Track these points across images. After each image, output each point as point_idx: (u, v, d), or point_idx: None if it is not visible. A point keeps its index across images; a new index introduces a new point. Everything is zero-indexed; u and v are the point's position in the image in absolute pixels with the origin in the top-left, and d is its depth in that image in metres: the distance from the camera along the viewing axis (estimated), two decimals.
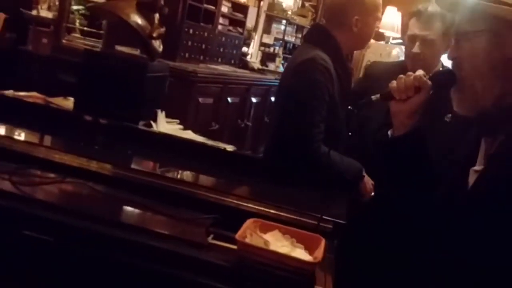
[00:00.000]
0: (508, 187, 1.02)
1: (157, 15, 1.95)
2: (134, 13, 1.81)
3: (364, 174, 1.90)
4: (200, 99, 4.43)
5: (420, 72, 1.29)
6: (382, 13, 6.12)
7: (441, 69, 1.30)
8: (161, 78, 2.07)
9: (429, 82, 1.25)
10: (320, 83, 1.81)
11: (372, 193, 1.92)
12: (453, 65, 1.21)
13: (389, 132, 1.33)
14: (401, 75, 1.28)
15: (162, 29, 1.93)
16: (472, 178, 1.15)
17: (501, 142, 1.10)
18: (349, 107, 1.88)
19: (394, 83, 1.28)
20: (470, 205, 1.09)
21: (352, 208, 1.72)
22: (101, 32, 5.44)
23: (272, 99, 6.02)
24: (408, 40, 2.04)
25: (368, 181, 1.91)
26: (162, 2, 2.06)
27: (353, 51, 2.18)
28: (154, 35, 1.87)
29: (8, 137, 1.68)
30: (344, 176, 1.80)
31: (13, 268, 1.29)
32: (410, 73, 1.28)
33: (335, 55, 1.91)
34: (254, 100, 5.42)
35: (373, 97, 1.33)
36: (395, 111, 1.29)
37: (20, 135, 1.74)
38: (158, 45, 1.94)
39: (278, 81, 6.59)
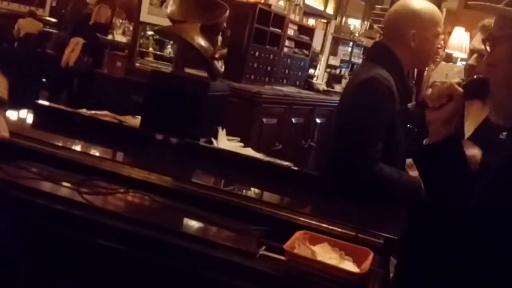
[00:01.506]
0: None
1: (219, 37, 2.05)
2: (198, 35, 1.91)
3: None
4: (264, 120, 4.52)
5: (455, 80, 1.29)
6: (450, 34, 5.98)
7: (475, 77, 1.28)
8: (222, 96, 2.16)
9: (460, 90, 1.24)
10: (381, 103, 1.80)
11: None
12: (487, 72, 1.22)
13: (424, 141, 1.32)
14: (436, 83, 1.29)
15: (224, 50, 2.03)
16: None
17: None
18: (408, 125, 1.88)
19: (429, 91, 1.29)
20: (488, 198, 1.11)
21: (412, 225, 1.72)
22: (173, 56, 5.71)
23: None
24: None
25: None
26: (225, 25, 2.16)
27: (413, 68, 2.12)
28: (216, 56, 1.96)
29: (80, 152, 1.81)
30: (402, 193, 1.78)
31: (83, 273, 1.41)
32: (444, 80, 1.29)
33: (396, 72, 1.89)
34: (318, 120, 5.45)
35: (409, 105, 1.35)
36: (429, 119, 1.28)
37: (90, 150, 1.87)
38: (220, 65, 2.04)
39: None
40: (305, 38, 5.83)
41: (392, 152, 1.82)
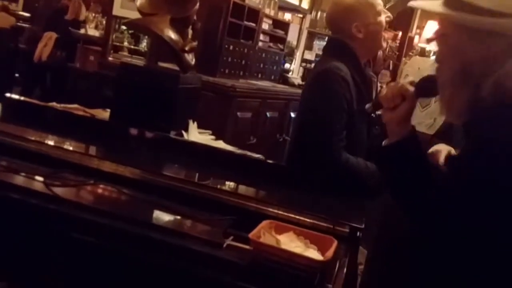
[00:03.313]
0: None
1: (190, 30, 2.05)
2: (167, 28, 1.91)
3: None
4: (239, 114, 4.54)
5: (408, 79, 1.31)
6: (423, 28, 6.06)
7: (426, 75, 1.31)
8: (193, 89, 2.16)
9: (411, 90, 1.26)
10: (337, 92, 1.83)
11: None
12: (436, 69, 1.24)
13: (383, 142, 1.34)
14: (390, 84, 1.32)
15: (194, 43, 2.04)
16: None
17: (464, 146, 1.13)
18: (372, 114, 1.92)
19: (383, 92, 1.31)
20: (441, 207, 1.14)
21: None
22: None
23: None
24: None
25: None
26: (195, 18, 2.16)
27: (372, 54, 2.12)
28: (187, 48, 1.97)
29: (46, 144, 1.81)
30: (369, 182, 1.82)
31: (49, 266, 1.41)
32: (397, 81, 1.31)
33: (351, 63, 1.92)
34: (293, 115, 5.48)
35: (367, 106, 1.37)
36: (386, 119, 1.30)
37: (59, 143, 1.87)
38: (190, 58, 2.05)
39: None
40: (280, 32, 5.86)
41: (353, 141, 1.86)
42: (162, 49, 2.12)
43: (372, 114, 1.84)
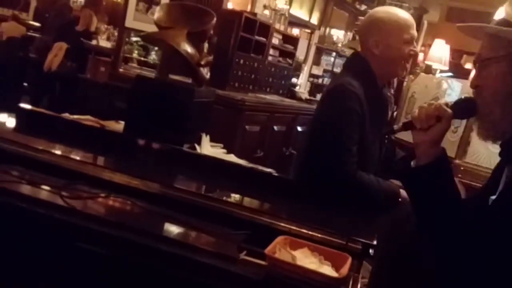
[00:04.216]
0: None
1: (206, 44, 2.07)
2: (184, 42, 1.93)
3: (402, 197, 1.91)
4: (247, 127, 4.55)
5: (442, 101, 1.31)
6: (430, 46, 6.06)
7: (462, 97, 1.30)
8: (207, 103, 2.18)
9: (450, 111, 1.25)
10: (349, 108, 1.83)
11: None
12: (474, 93, 1.24)
13: (412, 162, 1.33)
14: (423, 104, 1.30)
15: (210, 58, 2.06)
16: None
17: None
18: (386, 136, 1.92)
19: (415, 112, 1.30)
20: (485, 230, 1.10)
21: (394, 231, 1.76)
22: (157, 62, 5.70)
23: None
24: None
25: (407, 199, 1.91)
26: (212, 32, 2.18)
27: (388, 77, 2.08)
28: (202, 62, 1.99)
29: (59, 155, 1.82)
30: (380, 198, 1.82)
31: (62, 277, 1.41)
32: (431, 102, 1.31)
33: (366, 80, 1.91)
34: (299, 129, 5.51)
35: (395, 127, 1.35)
36: (417, 140, 1.28)
37: (72, 154, 1.88)
38: (205, 72, 2.07)
39: None
40: (289, 47, 5.90)
41: (365, 157, 1.86)
42: (173, 62, 2.14)
43: (386, 136, 1.85)
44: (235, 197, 1.80)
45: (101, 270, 1.38)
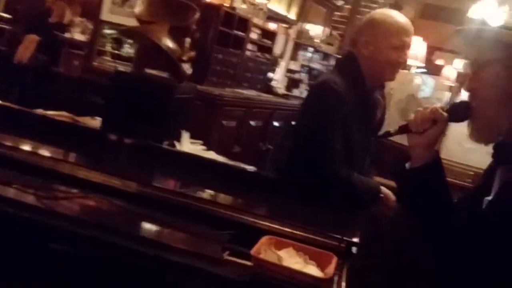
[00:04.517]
0: None
1: (188, 39, 2.03)
2: (165, 37, 1.89)
3: (383, 192, 1.91)
4: (224, 122, 4.52)
5: (437, 104, 1.32)
6: None
7: (458, 101, 1.31)
8: (188, 99, 2.14)
9: (445, 115, 1.26)
10: (332, 105, 1.81)
11: (394, 206, 1.91)
12: (469, 96, 1.24)
13: (406, 165, 1.34)
14: (419, 108, 1.31)
15: (192, 53, 2.01)
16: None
17: None
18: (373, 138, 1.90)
19: (411, 116, 1.31)
20: (481, 233, 1.11)
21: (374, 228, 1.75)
22: (132, 56, 5.62)
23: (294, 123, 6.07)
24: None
25: (389, 195, 1.92)
26: (194, 27, 2.14)
27: (378, 80, 1.98)
28: (184, 58, 1.95)
29: (35, 153, 1.75)
30: (363, 196, 1.81)
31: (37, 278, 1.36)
32: (427, 106, 1.31)
33: (353, 79, 1.89)
34: (276, 124, 5.49)
35: (391, 130, 1.35)
36: (412, 143, 1.30)
37: (46, 152, 1.81)
38: (187, 68, 2.02)
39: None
40: (268, 42, 5.88)
41: (349, 155, 1.84)
42: (151, 56, 2.09)
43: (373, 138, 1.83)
44: (216, 195, 1.76)
45: (80, 273, 1.33)
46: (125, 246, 1.31)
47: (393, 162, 1.80)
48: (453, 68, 7.18)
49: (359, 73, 1.92)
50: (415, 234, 1.40)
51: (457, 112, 1.27)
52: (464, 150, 3.82)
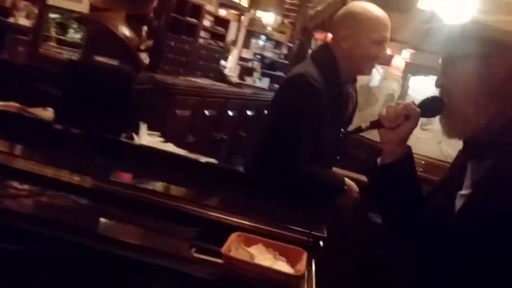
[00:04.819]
0: (494, 213, 1.04)
1: (145, 28, 1.95)
2: (122, 25, 1.81)
3: (346, 184, 1.91)
4: (178, 112, 4.44)
5: (409, 100, 1.31)
6: None
7: (430, 96, 1.30)
8: (145, 90, 2.07)
9: (418, 110, 1.25)
10: (306, 99, 1.79)
11: (357, 198, 1.92)
12: (441, 92, 1.23)
13: (378, 160, 1.33)
14: (391, 103, 1.30)
15: (150, 42, 1.95)
16: (459, 202, 1.16)
17: (488, 168, 1.11)
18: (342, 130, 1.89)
19: (383, 111, 1.29)
20: (458, 230, 1.11)
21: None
22: (77, 41, 5.42)
23: (248, 113, 6.06)
24: None
25: (352, 186, 1.92)
26: (151, 15, 2.07)
27: (354, 74, 1.96)
28: (142, 47, 1.88)
29: None
30: (328, 189, 1.81)
31: None
32: (399, 101, 1.31)
33: (328, 73, 1.86)
34: (230, 113, 5.45)
35: (363, 125, 1.33)
36: (384, 139, 1.29)
37: None
38: (144, 57, 1.96)
39: (255, 95, 6.63)
40: (221, 29, 5.81)
41: (319, 150, 1.83)
42: (100, 43, 2.01)
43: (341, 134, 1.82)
44: (180, 190, 1.71)
45: (40, 273, 1.26)
46: (85, 245, 1.25)
47: (360, 157, 1.81)
48: (402, 58, 7.31)
49: (334, 67, 1.89)
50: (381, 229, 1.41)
51: (429, 107, 1.26)
52: (416, 139, 3.92)
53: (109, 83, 1.86)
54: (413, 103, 1.27)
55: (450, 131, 1.20)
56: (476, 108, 1.14)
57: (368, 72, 1.97)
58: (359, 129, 1.33)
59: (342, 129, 1.90)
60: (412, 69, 5.78)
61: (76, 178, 1.57)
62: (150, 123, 2.26)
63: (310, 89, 1.79)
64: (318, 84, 1.81)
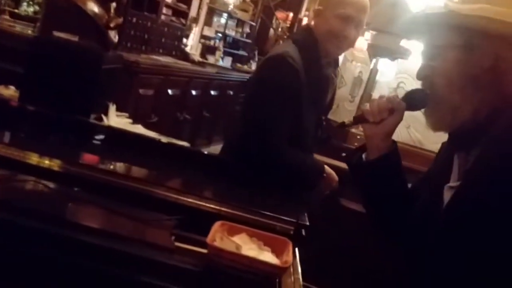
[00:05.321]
0: (484, 204, 1.02)
1: (114, 4, 1.86)
2: (91, 1, 1.71)
3: (326, 172, 1.89)
4: (141, 91, 4.32)
5: (393, 93, 1.28)
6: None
7: (414, 88, 1.26)
8: (114, 69, 1.98)
9: (403, 103, 1.22)
10: (285, 81, 1.74)
11: (336, 186, 1.91)
12: (424, 84, 1.19)
13: (363, 156, 1.30)
14: (374, 98, 1.27)
15: (120, 19, 1.85)
16: (447, 195, 1.14)
17: (476, 158, 1.09)
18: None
19: (367, 106, 1.25)
20: (448, 223, 1.09)
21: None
22: (31, 15, 5.18)
23: (212, 92, 5.97)
24: None
25: (332, 174, 1.91)
26: None
27: (327, 54, 1.89)
28: (112, 25, 1.78)
29: None
30: (307, 176, 1.78)
31: None
32: (383, 95, 1.27)
33: (308, 54, 1.82)
34: (194, 93, 5.36)
35: (346, 121, 1.29)
36: (369, 134, 1.25)
37: None
38: (113, 35, 1.86)
39: (218, 75, 6.51)
40: (183, 6, 5.67)
41: (298, 134, 1.80)
42: (59, 17, 1.91)
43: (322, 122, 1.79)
44: (156, 176, 1.65)
45: (16, 266, 1.18)
46: (62, 235, 1.18)
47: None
48: (365, 40, 7.36)
49: (314, 48, 1.85)
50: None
51: (413, 100, 1.22)
52: None
53: (78, 62, 1.76)
54: (397, 96, 1.24)
55: (436, 123, 1.17)
56: (461, 98, 1.10)
57: (336, 52, 1.92)
58: (342, 125, 1.29)
59: (322, 116, 1.88)
60: (373, 51, 5.80)
61: (43, 161, 1.48)
62: (113, 101, 2.16)
63: (289, 69, 1.75)
64: (296, 64, 1.76)
